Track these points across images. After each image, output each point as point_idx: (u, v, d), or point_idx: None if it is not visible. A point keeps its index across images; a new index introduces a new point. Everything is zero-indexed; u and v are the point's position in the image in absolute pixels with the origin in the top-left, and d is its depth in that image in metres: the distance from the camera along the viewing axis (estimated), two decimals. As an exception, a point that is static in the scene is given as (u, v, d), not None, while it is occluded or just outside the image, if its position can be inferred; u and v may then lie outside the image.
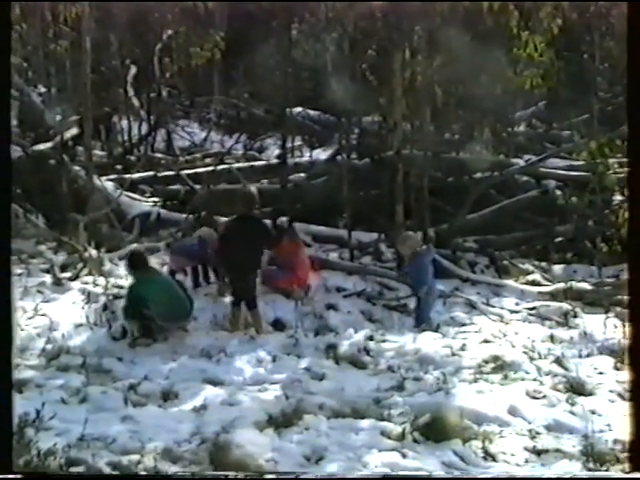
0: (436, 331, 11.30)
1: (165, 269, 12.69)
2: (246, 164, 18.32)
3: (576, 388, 8.91)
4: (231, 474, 6.64)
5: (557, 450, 7.39)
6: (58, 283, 12.44)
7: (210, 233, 12.67)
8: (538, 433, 7.77)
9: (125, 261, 11.94)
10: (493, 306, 12.69)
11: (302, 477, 6.66)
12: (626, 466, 7.01)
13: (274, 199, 15.75)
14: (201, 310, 11.51)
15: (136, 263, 11.09)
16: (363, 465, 6.90)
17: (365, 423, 7.82)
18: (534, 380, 9.24)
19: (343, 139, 16.90)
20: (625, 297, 12.34)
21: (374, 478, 6.74)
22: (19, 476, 5.21)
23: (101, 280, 12.33)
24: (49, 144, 16.33)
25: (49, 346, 9.91)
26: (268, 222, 13.26)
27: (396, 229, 13.91)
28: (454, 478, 6.97)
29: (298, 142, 21.28)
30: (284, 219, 14.82)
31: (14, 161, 11.24)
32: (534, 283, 13.73)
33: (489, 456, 7.28)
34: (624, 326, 11.02)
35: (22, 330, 10.35)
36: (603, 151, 13.67)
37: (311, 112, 21.40)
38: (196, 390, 8.69)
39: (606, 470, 6.97)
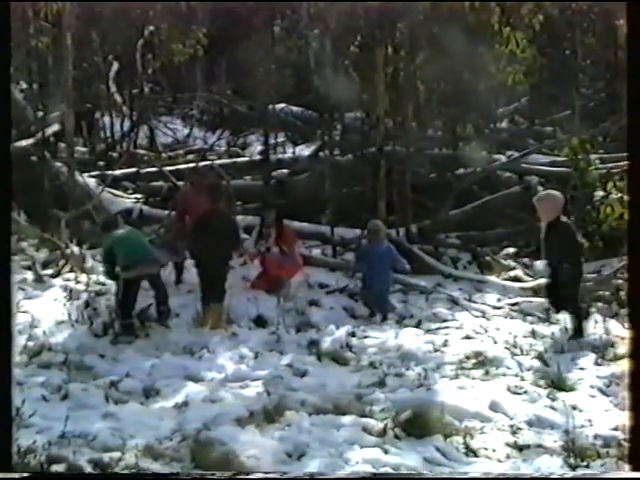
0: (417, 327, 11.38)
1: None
2: (229, 160, 18.25)
3: (557, 384, 8.93)
4: (219, 474, 6.61)
5: (538, 445, 7.41)
6: (40, 280, 12.39)
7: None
8: (519, 429, 7.78)
9: (99, 228, 11.93)
10: (475, 302, 12.69)
11: (287, 477, 6.65)
12: (607, 461, 7.05)
13: (257, 195, 15.72)
14: (183, 307, 11.49)
15: (108, 226, 11.25)
16: (345, 461, 6.90)
17: (347, 419, 7.83)
18: (515, 376, 9.27)
19: (326, 135, 16.89)
20: (606, 293, 12.47)
21: (359, 478, 6.74)
22: (19, 476, 5.18)
23: (83, 277, 12.30)
24: (31, 140, 16.18)
25: (30, 343, 9.85)
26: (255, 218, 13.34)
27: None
28: (441, 478, 6.98)
29: (281, 138, 21.26)
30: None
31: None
32: (516, 279, 13.78)
33: (470, 452, 7.29)
34: (605, 322, 11.09)
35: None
36: (585, 147, 13.76)
37: (294, 108, 21.38)
38: (178, 387, 8.68)
39: (586, 466, 6.99)
